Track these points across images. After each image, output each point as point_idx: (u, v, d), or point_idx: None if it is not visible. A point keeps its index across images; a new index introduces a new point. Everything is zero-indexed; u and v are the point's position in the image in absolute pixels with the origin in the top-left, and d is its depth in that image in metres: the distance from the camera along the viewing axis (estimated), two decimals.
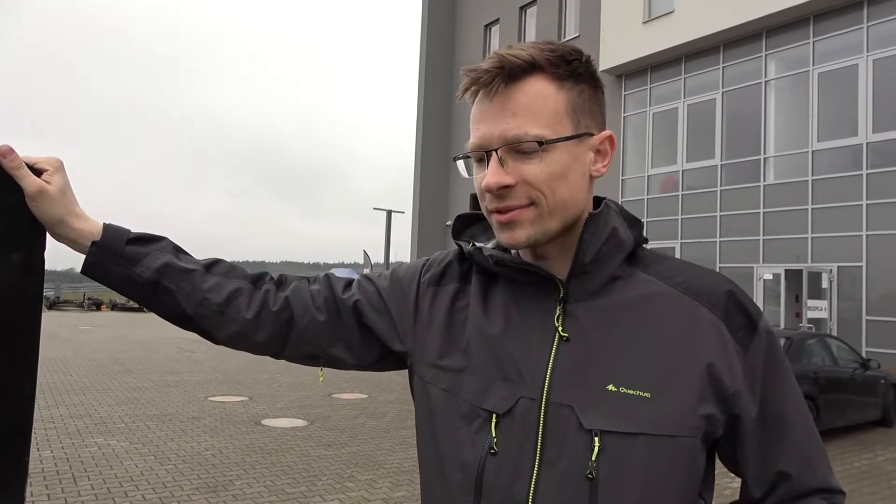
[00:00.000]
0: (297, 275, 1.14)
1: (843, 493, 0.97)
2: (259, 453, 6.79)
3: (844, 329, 12.91)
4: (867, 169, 13.09)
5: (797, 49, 14.46)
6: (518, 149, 0.89)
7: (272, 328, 1.05)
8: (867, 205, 13.00)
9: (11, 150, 0.95)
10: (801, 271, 13.55)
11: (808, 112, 14.17)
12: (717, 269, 15.69)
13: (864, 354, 11.73)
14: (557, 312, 0.94)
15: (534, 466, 0.88)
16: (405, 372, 1.09)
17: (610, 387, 0.88)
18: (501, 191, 0.90)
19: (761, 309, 0.98)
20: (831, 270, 13.38)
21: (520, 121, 0.89)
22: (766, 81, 15.05)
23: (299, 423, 8.42)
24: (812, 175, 13.96)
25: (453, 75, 26.17)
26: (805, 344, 9.25)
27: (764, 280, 14.25)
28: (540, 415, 0.89)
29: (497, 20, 23.95)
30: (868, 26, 13.29)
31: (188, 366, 13.78)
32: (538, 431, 0.89)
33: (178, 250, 1.07)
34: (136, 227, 1.05)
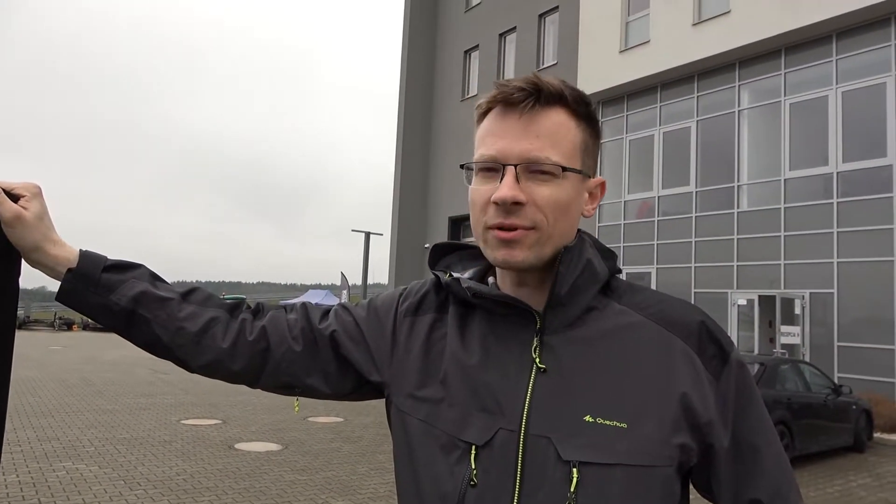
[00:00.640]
0: (274, 302, 1.13)
1: None
2: (232, 478, 6.67)
3: (817, 355, 13.09)
4: (838, 197, 13.38)
5: (769, 80, 14.83)
6: (537, 169, 0.91)
7: (248, 358, 1.05)
8: (838, 232, 13.27)
9: None
10: (774, 297, 13.74)
11: (780, 141, 14.48)
12: (692, 295, 15.84)
13: (836, 380, 11.90)
14: (535, 344, 0.95)
15: (513, 498, 0.88)
16: None
17: (587, 418, 0.89)
18: (511, 207, 0.91)
19: (735, 335, 1.00)
20: (804, 297, 13.58)
21: (543, 144, 0.92)
22: (739, 111, 15.38)
23: (273, 447, 8.29)
24: (784, 203, 14.23)
25: (433, 99, 26.38)
26: (779, 370, 9.35)
27: (738, 305, 14.40)
28: (519, 446, 0.90)
29: (477, 46, 24.26)
30: (837, 59, 13.68)
31: (161, 388, 13.54)
32: (517, 463, 0.89)
33: (154, 278, 1.06)
34: (110, 247, 1.04)
